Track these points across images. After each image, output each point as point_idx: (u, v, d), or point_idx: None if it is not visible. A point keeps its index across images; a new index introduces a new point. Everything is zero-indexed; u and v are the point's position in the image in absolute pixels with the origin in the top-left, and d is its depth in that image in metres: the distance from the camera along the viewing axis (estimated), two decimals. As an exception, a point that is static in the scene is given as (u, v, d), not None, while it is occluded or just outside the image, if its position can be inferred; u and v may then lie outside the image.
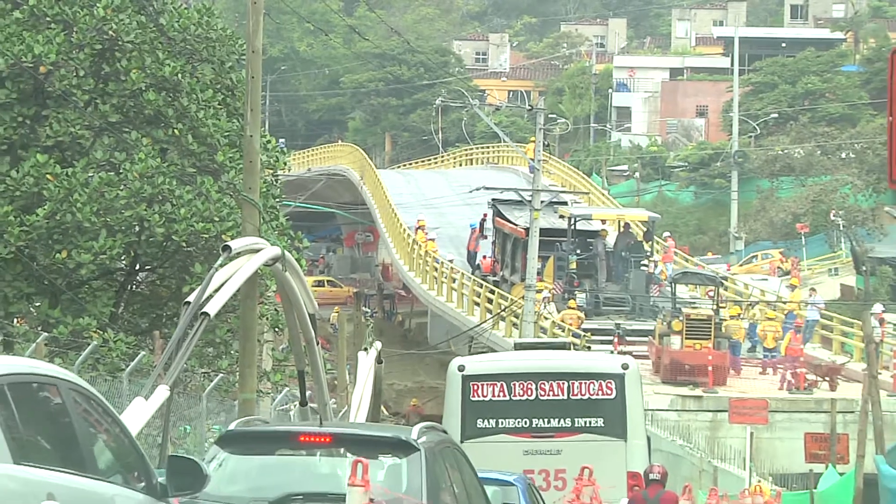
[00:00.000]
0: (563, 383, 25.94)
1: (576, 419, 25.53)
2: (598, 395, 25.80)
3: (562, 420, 25.68)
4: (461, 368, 26.64)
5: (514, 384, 25.95)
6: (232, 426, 14.54)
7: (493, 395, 25.97)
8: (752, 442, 44.04)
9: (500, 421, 26.23)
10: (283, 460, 14.45)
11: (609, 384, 25.94)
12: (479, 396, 26.04)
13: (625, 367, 26.54)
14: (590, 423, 25.67)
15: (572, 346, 48.77)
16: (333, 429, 15.12)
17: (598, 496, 20.69)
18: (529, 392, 25.90)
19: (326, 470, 14.38)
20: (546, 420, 25.90)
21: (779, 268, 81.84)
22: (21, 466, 9.12)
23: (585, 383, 25.93)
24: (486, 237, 70.69)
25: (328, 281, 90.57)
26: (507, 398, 25.91)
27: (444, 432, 15.68)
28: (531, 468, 25.04)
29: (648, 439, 28.35)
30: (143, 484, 10.55)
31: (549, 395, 25.85)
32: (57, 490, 9.35)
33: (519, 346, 30.70)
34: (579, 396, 25.80)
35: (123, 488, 10.26)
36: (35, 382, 9.62)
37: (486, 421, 26.03)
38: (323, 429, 14.64)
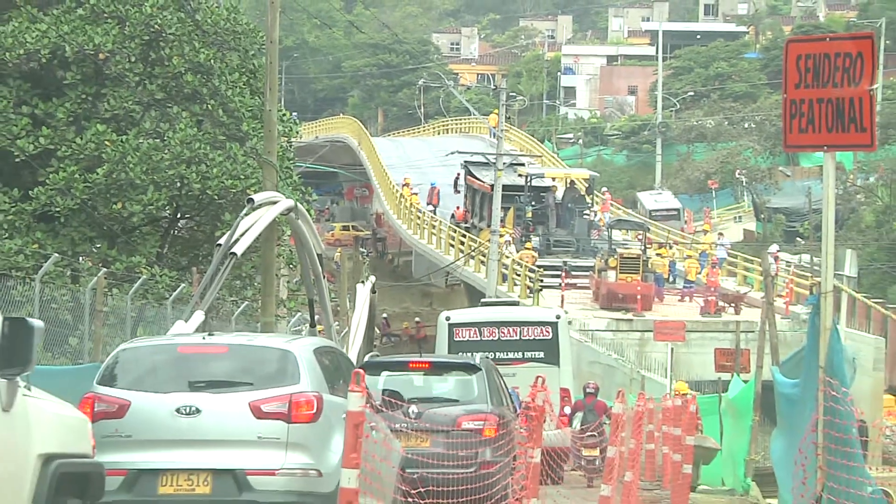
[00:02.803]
0: (517, 328, 29.34)
1: (525, 352, 28.73)
2: (540, 336, 29.37)
3: (515, 353, 28.74)
4: (448, 319, 29.60)
5: (483, 329, 29.30)
6: (366, 358, 18.18)
7: (469, 337, 29.10)
8: (672, 355, 44.20)
9: (473, 354, 27.46)
10: (401, 377, 18.32)
11: (547, 329, 29.44)
12: (460, 337, 29.01)
13: (558, 317, 30.38)
14: (535, 355, 28.98)
15: (531, 291, 49.08)
16: (430, 358, 20.53)
17: (549, 399, 20.94)
18: (493, 334, 29.24)
19: (425, 383, 18.56)
20: (505, 353, 28.63)
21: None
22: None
23: (531, 328, 29.43)
24: (458, 192, 70.66)
25: (352, 226, 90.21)
26: (479, 339, 29.08)
27: (489, 359, 19.93)
28: None
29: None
30: None
31: (507, 337, 29.25)
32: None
33: (484, 303, 34.50)
34: (527, 337, 29.33)
35: None
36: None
37: (464, 354, 27.20)
38: (423, 357, 20.81)
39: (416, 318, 69.39)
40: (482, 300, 38.50)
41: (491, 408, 17.47)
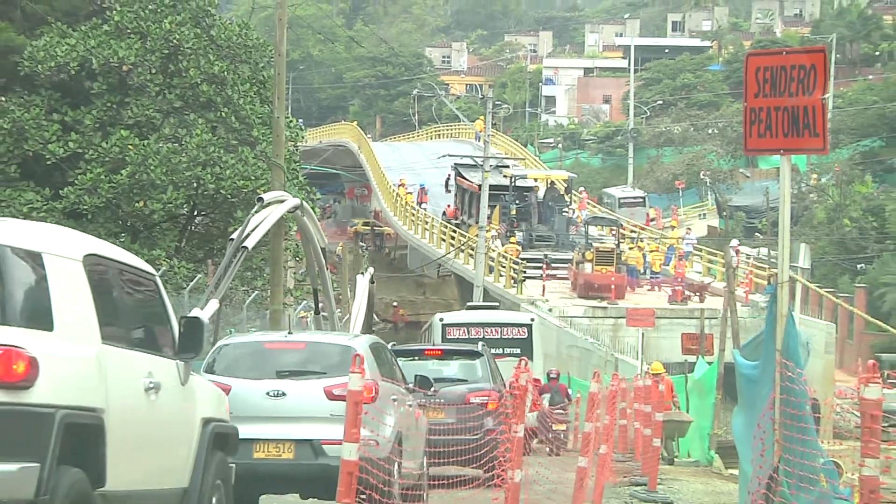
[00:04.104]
0: (498, 328, 31.13)
1: (505, 348, 30.17)
2: (517, 335, 31.26)
3: (497, 349, 29.42)
4: (441, 320, 31.49)
5: (471, 328, 31.02)
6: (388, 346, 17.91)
7: (459, 335, 30.63)
8: (643, 340, 44.22)
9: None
10: (418, 362, 20.68)
11: (523, 329, 31.28)
12: (451, 335, 30.61)
13: (532, 320, 32.35)
14: (513, 351, 30.37)
15: (515, 281, 49.05)
16: (443, 346, 23.11)
17: (531, 378, 21.15)
18: (479, 333, 30.77)
19: (438, 367, 20.86)
20: (490, 349, 29.60)
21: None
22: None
23: (510, 328, 31.28)
24: (449, 191, 70.63)
25: (371, 222, 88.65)
26: (467, 336, 30.53)
27: (487, 347, 22.52)
28: None
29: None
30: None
31: (490, 335, 30.72)
32: None
33: (470, 307, 36.28)
34: (507, 336, 31.10)
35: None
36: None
37: None
38: (436, 346, 22.92)
39: (394, 303, 69.41)
40: (468, 304, 40.42)
41: (492, 385, 20.25)
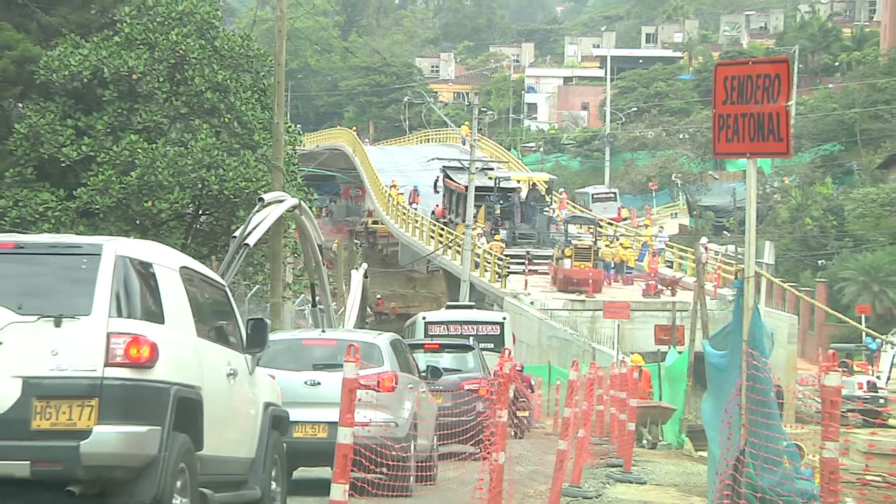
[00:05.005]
0: (474, 326, 31.80)
1: (479, 342, 29.31)
2: (490, 332, 31.90)
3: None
4: (424, 318, 32.12)
5: (450, 326, 31.71)
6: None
7: (440, 332, 31.30)
8: (618, 331, 44.29)
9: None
10: (418, 354, 21.31)
11: (496, 327, 31.91)
12: (432, 332, 31.27)
13: (504, 318, 33.01)
14: (487, 345, 30.26)
15: (499, 276, 49.11)
16: (439, 340, 24.95)
17: (515, 367, 21.30)
18: (457, 330, 31.66)
19: (436, 359, 22.02)
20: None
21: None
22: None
23: (484, 326, 31.89)
24: (437, 192, 70.57)
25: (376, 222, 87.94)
26: (447, 332, 31.36)
27: (478, 342, 25.04)
28: None
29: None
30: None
31: (467, 332, 31.44)
32: None
33: (449, 306, 36.98)
34: (482, 333, 31.64)
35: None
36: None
37: None
38: (433, 341, 24.56)
39: (378, 296, 69.34)
40: (447, 304, 41.61)
41: (483, 374, 21.97)
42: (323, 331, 16.15)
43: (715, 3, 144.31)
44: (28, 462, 8.57)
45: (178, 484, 9.12)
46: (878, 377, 46.65)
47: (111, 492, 8.84)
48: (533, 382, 35.42)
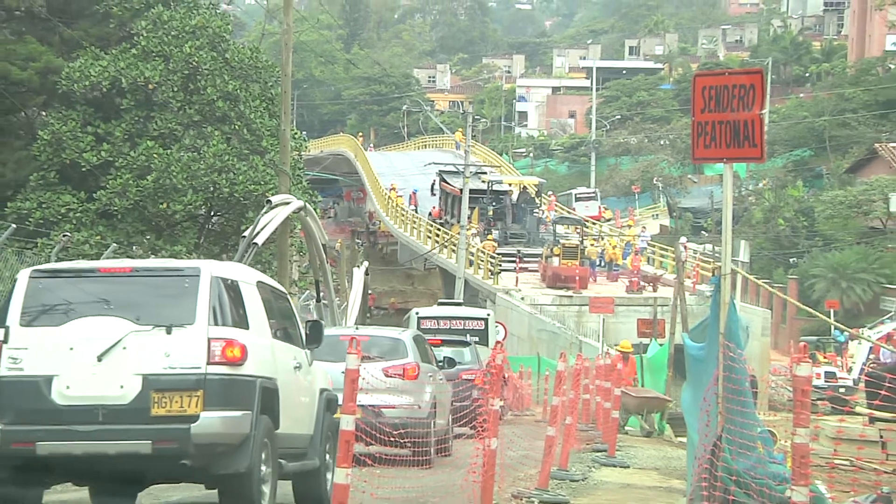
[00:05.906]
0: (462, 321, 32.06)
1: (467, 335, 29.96)
2: (476, 327, 32.14)
3: (461, 337, 29.54)
4: (417, 313, 32.26)
5: (440, 321, 31.70)
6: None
7: (431, 326, 31.26)
8: (603, 324, 44.31)
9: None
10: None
11: (481, 322, 32.24)
12: (424, 326, 31.08)
13: (488, 314, 33.50)
14: (474, 339, 30.19)
15: (492, 273, 48.99)
16: (441, 336, 26.26)
17: (506, 358, 21.32)
18: (447, 325, 31.95)
19: (437, 352, 21.36)
20: (454, 337, 30.47)
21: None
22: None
23: (471, 321, 32.10)
24: (434, 195, 70.57)
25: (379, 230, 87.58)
26: (437, 327, 31.39)
27: (476, 338, 27.06)
28: None
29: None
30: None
31: (455, 327, 31.87)
32: None
33: (440, 303, 37.17)
34: (469, 327, 31.84)
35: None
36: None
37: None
38: (436, 337, 25.11)
39: (370, 292, 69.22)
40: (438, 300, 41.78)
41: (478, 366, 23.19)
42: (357, 328, 17.23)
43: (694, 18, 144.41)
44: (150, 442, 9.89)
45: (263, 456, 10.47)
46: (850, 368, 46.73)
47: (214, 463, 10.11)
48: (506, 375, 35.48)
